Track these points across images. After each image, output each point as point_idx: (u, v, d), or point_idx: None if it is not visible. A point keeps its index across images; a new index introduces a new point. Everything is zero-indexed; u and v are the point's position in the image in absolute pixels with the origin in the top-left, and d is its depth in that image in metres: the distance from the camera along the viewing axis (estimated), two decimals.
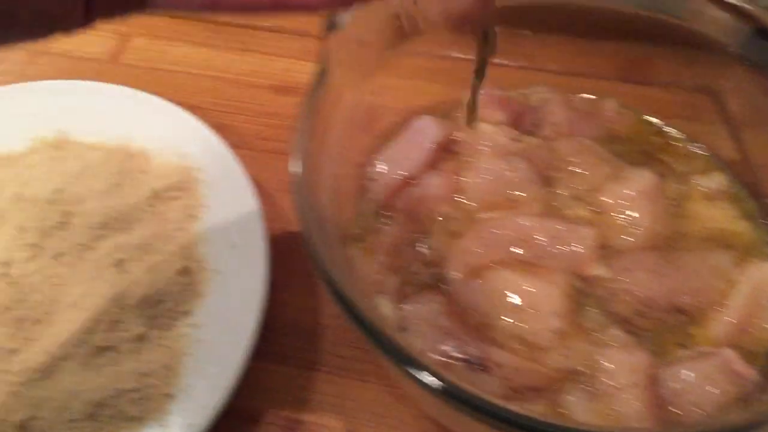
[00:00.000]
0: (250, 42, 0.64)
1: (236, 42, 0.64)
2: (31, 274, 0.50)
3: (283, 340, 0.49)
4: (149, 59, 0.64)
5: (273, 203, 0.54)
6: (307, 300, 0.51)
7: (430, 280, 0.45)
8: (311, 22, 0.64)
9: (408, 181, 0.49)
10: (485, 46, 0.40)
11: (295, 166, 0.40)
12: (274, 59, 0.63)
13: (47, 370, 0.46)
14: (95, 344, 0.47)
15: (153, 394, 0.45)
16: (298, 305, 0.51)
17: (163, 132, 0.56)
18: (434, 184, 0.48)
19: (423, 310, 0.43)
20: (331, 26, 0.44)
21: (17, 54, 0.64)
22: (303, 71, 0.62)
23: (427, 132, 0.50)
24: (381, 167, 0.49)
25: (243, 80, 0.62)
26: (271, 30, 0.65)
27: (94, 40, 0.65)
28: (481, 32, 0.40)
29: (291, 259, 0.52)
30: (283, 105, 0.60)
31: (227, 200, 0.52)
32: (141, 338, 0.48)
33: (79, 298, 0.49)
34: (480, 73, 0.43)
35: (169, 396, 0.45)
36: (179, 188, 0.54)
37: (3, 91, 0.59)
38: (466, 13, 0.38)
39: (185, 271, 0.50)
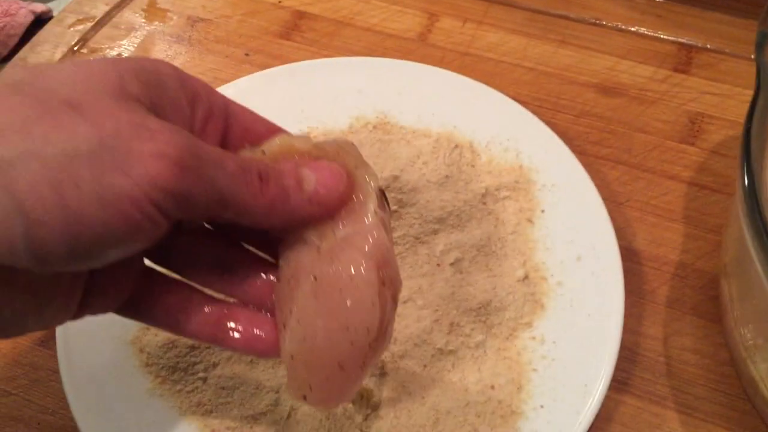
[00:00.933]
0: (569, 34, 0.60)
1: (553, 32, 0.60)
2: None
3: (626, 367, 0.45)
4: (459, 42, 0.61)
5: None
6: (651, 328, 0.47)
7: None
8: (634, 20, 0.60)
9: None
10: None
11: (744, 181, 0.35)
12: (595, 55, 0.59)
13: (386, 367, 0.45)
14: (436, 346, 0.45)
15: (501, 410, 0.43)
16: (640, 331, 0.47)
17: (491, 123, 0.53)
18: None
19: None
20: (765, 34, 0.39)
21: (322, 24, 0.63)
22: (629, 72, 0.58)
23: None
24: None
25: (562, 75, 0.58)
26: (590, 23, 0.61)
27: (401, 16, 0.63)
28: None
29: (632, 280, 0.48)
30: (609, 107, 0.56)
31: (569, 207, 0.49)
32: (480, 346, 0.45)
33: (413, 293, 0.47)
34: None
35: (518, 414, 0.43)
36: (513, 188, 0.50)
37: (322, 63, 0.57)
38: None
39: (525, 280, 0.47)
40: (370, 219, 0.32)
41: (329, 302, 0.31)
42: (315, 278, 0.32)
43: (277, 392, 0.44)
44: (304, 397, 0.33)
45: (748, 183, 0.35)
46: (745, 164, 0.35)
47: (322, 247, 0.32)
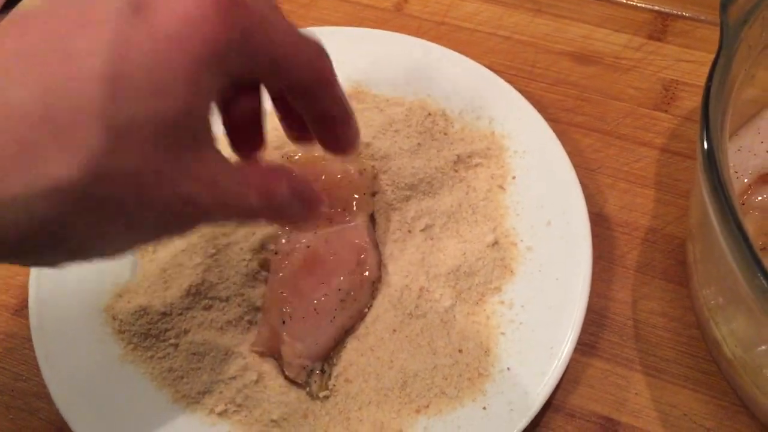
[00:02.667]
0: (545, 3, 0.60)
1: (529, 2, 0.60)
2: None
3: (595, 331, 0.46)
4: (435, 12, 0.61)
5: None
6: (620, 292, 0.47)
7: None
8: None
9: (765, 178, 0.43)
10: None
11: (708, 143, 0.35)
12: (570, 23, 0.59)
13: (357, 332, 0.45)
14: (406, 311, 0.45)
15: (469, 372, 0.43)
16: (609, 296, 0.47)
17: (464, 92, 0.53)
18: None
19: None
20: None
21: None
22: (604, 40, 0.57)
23: None
24: (731, 160, 0.44)
25: (537, 44, 0.58)
26: None
27: None
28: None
29: (602, 245, 0.48)
30: (583, 75, 0.56)
31: (540, 173, 0.49)
32: (450, 310, 0.45)
33: (385, 258, 0.47)
34: None
35: (485, 376, 0.43)
36: (485, 155, 0.50)
37: None
38: None
39: (495, 245, 0.47)
40: (359, 222, 0.46)
41: (314, 265, 0.44)
42: (308, 246, 0.45)
43: (246, 358, 0.44)
44: (283, 322, 0.43)
45: (707, 142, 0.35)
46: (705, 123, 0.35)
47: (318, 233, 0.45)
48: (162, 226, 0.28)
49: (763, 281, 0.31)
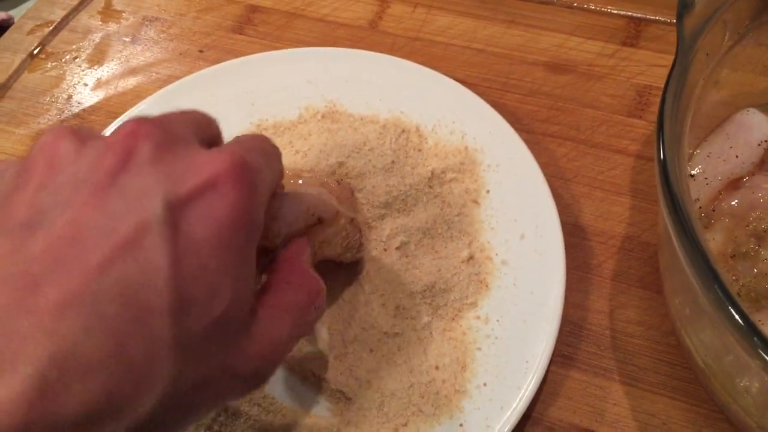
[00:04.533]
0: (518, 14, 0.60)
1: (503, 13, 0.60)
2: None
3: (572, 342, 0.46)
4: (409, 27, 0.61)
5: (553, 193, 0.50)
6: (597, 302, 0.47)
7: None
8: None
9: (735, 183, 0.43)
10: None
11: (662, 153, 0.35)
12: (544, 33, 0.59)
13: (338, 353, 0.45)
14: (382, 330, 0.45)
15: (445, 390, 0.43)
16: (587, 306, 0.47)
17: (438, 107, 0.53)
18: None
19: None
20: (686, 4, 0.39)
21: (274, 17, 0.63)
22: (577, 48, 0.58)
23: (755, 128, 0.44)
24: (700, 166, 0.44)
25: (512, 55, 0.58)
26: (541, 2, 0.61)
27: (352, 5, 0.63)
28: None
29: (579, 255, 0.48)
30: (557, 85, 0.56)
31: (513, 186, 0.49)
32: (426, 327, 0.46)
33: (362, 278, 0.47)
34: None
35: (462, 393, 0.43)
36: (459, 170, 0.51)
37: (270, 56, 0.57)
38: None
39: (470, 260, 0.47)
40: None
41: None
42: None
43: None
44: None
45: (663, 153, 0.35)
46: (660, 136, 0.35)
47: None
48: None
49: (720, 294, 0.31)
